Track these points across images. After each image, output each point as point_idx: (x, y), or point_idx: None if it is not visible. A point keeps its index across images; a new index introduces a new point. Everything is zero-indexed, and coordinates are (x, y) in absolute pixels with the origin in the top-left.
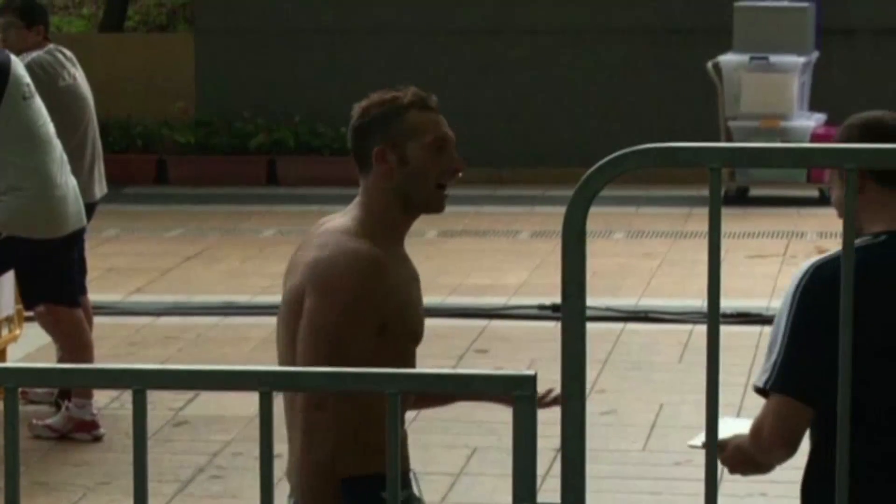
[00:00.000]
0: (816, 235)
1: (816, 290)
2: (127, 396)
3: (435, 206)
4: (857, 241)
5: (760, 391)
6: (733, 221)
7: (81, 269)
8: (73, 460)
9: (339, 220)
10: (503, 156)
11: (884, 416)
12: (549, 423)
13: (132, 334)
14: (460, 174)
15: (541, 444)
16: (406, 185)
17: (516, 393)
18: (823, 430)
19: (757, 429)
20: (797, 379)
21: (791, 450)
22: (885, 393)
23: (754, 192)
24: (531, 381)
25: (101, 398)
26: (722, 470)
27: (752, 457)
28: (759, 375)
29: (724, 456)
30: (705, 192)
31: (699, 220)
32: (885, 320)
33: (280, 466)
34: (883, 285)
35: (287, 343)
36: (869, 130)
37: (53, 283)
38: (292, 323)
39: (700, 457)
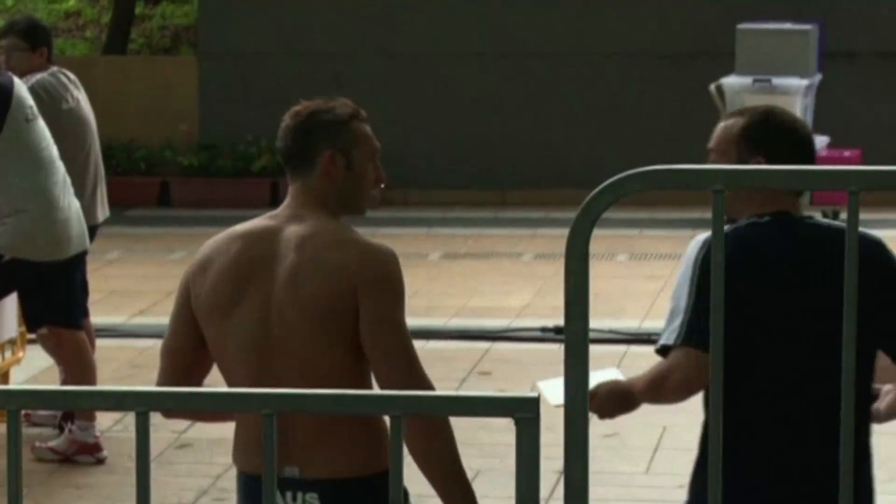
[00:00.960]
0: None
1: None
2: (130, 419)
3: (365, 210)
4: (743, 221)
5: (665, 350)
6: None
7: (83, 292)
8: (75, 483)
9: (311, 221)
10: (506, 178)
11: (771, 380)
12: (552, 445)
13: (135, 356)
14: (383, 185)
15: (544, 466)
16: (347, 189)
17: (519, 415)
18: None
19: (660, 377)
20: (705, 335)
21: (689, 396)
22: (773, 361)
23: None
24: (534, 403)
25: (104, 420)
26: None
27: (626, 399)
28: (664, 337)
29: (597, 403)
30: (708, 214)
31: None
32: (774, 295)
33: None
34: (771, 262)
35: (322, 352)
36: (782, 133)
37: (56, 305)
38: (336, 328)
39: None
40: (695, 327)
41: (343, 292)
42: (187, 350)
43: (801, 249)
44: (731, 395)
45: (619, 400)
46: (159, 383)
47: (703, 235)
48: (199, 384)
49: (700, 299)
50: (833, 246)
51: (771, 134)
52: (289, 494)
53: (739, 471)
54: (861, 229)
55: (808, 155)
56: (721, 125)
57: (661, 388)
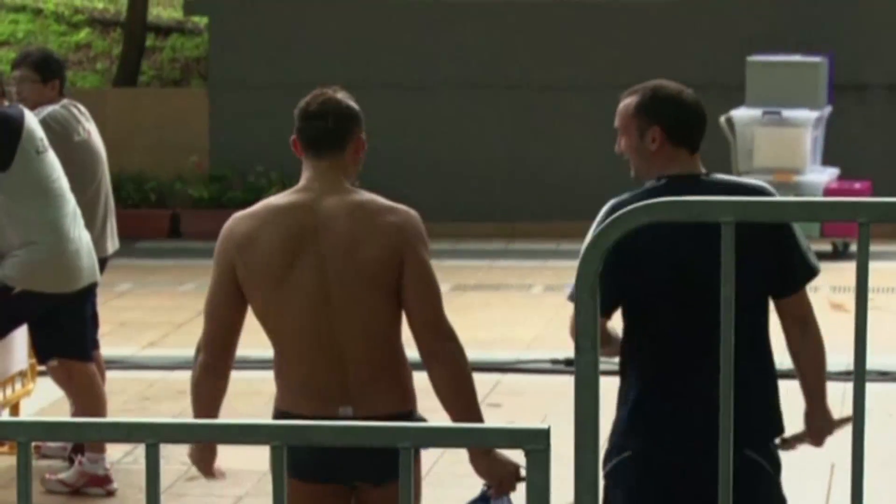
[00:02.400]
0: (830, 290)
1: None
2: (140, 451)
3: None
4: (647, 185)
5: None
6: None
7: (94, 324)
8: None
9: (354, 193)
10: (516, 210)
11: (677, 320)
12: (561, 477)
13: (145, 388)
14: None
15: (554, 498)
16: (358, 166)
17: (529, 447)
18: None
19: (571, 328)
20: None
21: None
22: (679, 305)
23: None
24: (544, 435)
25: (115, 452)
26: None
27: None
28: (567, 288)
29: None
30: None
31: None
32: (673, 259)
33: None
34: (665, 225)
35: (371, 306)
36: (665, 109)
37: (66, 337)
38: (386, 284)
39: None
40: None
41: (394, 248)
42: (229, 314)
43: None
44: (642, 332)
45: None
46: (206, 341)
47: (608, 203)
48: (236, 341)
49: None
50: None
51: (660, 105)
52: None
53: (653, 396)
54: (744, 180)
55: (699, 118)
56: (621, 105)
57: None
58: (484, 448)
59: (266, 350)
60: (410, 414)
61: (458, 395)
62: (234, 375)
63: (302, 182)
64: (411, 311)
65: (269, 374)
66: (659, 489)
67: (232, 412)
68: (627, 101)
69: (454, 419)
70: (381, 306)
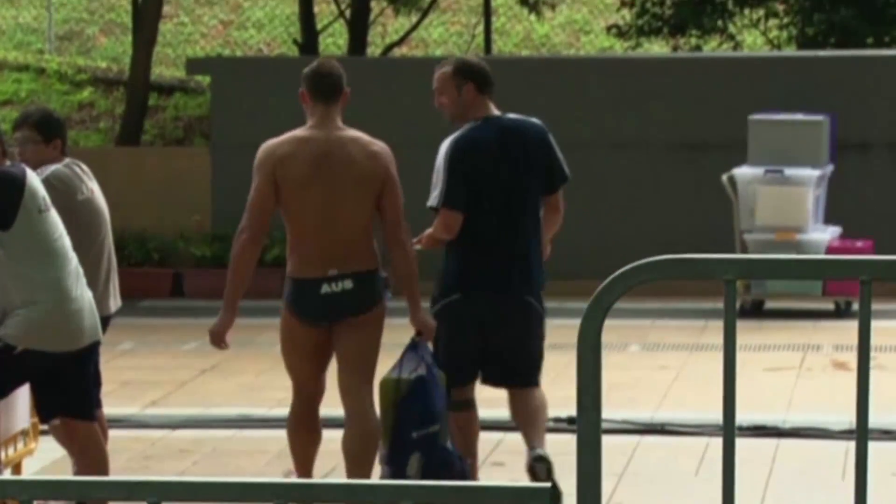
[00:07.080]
0: (832, 348)
1: (459, 149)
2: None
3: None
4: (467, 126)
5: (434, 209)
6: (749, 334)
7: (96, 383)
8: None
9: (348, 130)
10: None
11: (494, 210)
12: None
13: (147, 447)
14: None
15: None
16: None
17: None
18: (465, 230)
19: (434, 226)
20: (454, 198)
21: (451, 234)
22: (495, 199)
23: (770, 304)
24: (546, 493)
25: None
26: None
27: (437, 240)
28: (431, 200)
29: (421, 242)
30: (721, 304)
31: (715, 333)
32: (490, 170)
33: None
34: (485, 149)
35: (358, 205)
36: (474, 71)
37: (69, 396)
38: (370, 191)
39: None
40: (448, 194)
41: (378, 167)
42: (268, 205)
43: (504, 136)
44: (471, 219)
45: (433, 240)
46: (249, 224)
47: (451, 137)
48: (268, 223)
49: (450, 177)
50: (522, 131)
51: (470, 68)
52: (333, 284)
53: (475, 258)
54: (523, 117)
55: (492, 77)
56: (438, 73)
57: (436, 232)
58: (417, 305)
59: (269, 410)
60: (376, 271)
61: (407, 268)
62: (239, 434)
63: (313, 122)
64: (383, 211)
65: (273, 433)
66: (475, 322)
67: (236, 469)
68: (444, 69)
69: (401, 286)
70: (364, 205)
